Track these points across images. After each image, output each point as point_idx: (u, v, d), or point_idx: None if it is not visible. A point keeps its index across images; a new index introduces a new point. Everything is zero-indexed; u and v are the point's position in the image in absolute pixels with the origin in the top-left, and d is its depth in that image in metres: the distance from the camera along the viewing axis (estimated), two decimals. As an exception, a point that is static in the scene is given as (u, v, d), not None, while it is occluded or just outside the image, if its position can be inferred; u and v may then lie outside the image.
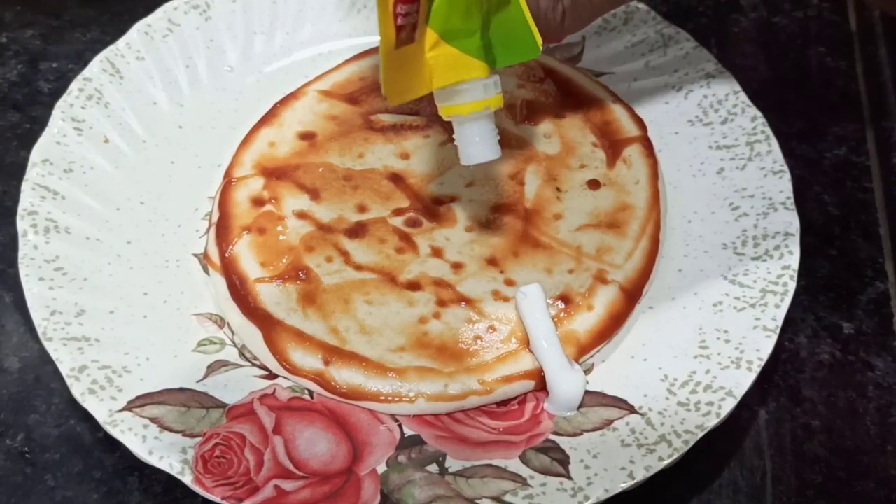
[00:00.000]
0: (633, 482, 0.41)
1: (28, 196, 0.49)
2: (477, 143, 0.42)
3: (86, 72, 0.54)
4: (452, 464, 0.42)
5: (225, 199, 0.50)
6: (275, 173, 0.51)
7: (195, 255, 0.50)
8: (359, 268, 0.47)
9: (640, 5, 0.58)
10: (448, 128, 0.52)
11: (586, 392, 0.44)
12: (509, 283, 0.47)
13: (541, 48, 0.42)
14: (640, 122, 0.53)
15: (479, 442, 0.43)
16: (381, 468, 0.42)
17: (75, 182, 0.50)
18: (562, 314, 0.46)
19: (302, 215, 0.49)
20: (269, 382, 0.45)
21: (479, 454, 0.43)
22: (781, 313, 0.46)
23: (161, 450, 0.41)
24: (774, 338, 0.45)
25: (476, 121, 0.42)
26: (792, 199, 0.50)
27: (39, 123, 0.53)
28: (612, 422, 0.43)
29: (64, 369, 0.43)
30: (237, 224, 0.49)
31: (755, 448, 0.46)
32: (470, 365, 0.45)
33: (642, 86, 0.56)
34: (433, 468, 0.42)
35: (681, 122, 0.54)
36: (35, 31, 0.62)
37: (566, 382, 0.44)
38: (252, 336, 0.46)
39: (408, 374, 0.44)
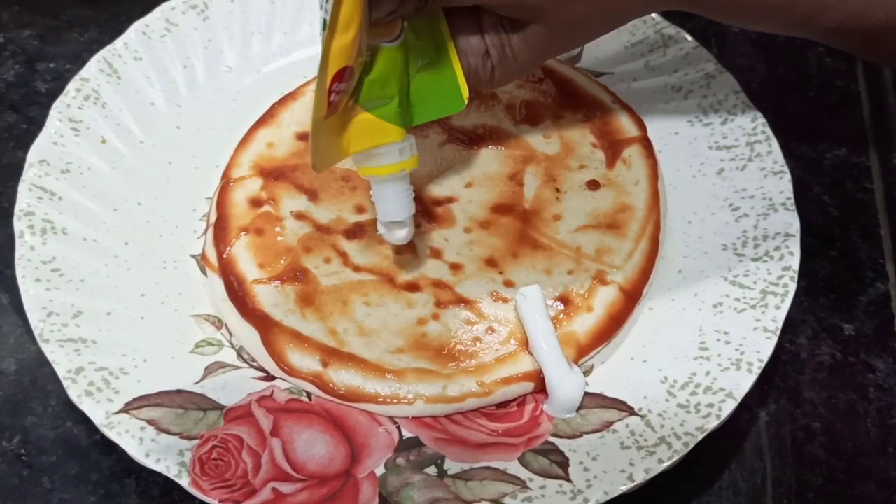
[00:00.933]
0: (632, 484, 0.41)
1: (25, 197, 0.49)
2: (392, 202, 0.44)
3: (83, 72, 0.53)
4: (451, 466, 0.42)
5: (223, 200, 0.49)
6: (273, 174, 0.50)
7: (193, 256, 0.49)
8: (357, 269, 0.47)
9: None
10: (445, 128, 0.52)
11: (586, 394, 0.44)
12: (508, 284, 0.47)
13: (466, 102, 0.44)
14: (639, 123, 0.53)
15: (478, 444, 0.43)
16: (380, 470, 0.42)
17: (72, 183, 0.50)
18: (561, 315, 0.46)
19: (300, 216, 0.49)
20: (266, 384, 0.45)
21: (478, 456, 0.43)
22: (782, 314, 0.46)
23: (158, 452, 0.41)
24: (775, 339, 0.45)
25: (392, 182, 0.44)
26: (792, 200, 0.49)
27: (36, 124, 0.53)
28: (611, 424, 0.43)
29: (61, 371, 0.43)
30: (235, 225, 0.48)
31: (755, 450, 0.46)
32: (469, 366, 0.44)
33: (642, 86, 0.56)
34: (432, 470, 0.42)
35: (681, 122, 0.54)
36: (32, 32, 0.62)
37: (565, 384, 0.44)
38: (250, 337, 0.46)
39: (406, 375, 0.44)
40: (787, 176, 0.50)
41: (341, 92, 0.40)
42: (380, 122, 0.42)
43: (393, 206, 0.44)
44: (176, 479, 0.41)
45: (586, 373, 0.46)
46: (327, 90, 0.39)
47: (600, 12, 0.43)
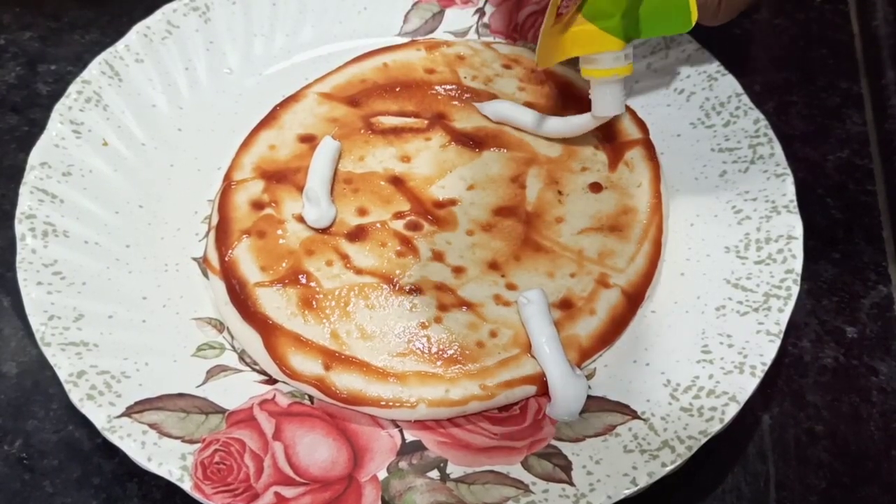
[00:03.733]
0: (636, 488, 0.41)
1: (26, 199, 0.48)
2: (605, 101, 0.49)
3: (84, 74, 0.53)
4: (454, 470, 0.42)
5: (224, 203, 0.49)
6: (275, 176, 0.50)
7: (194, 259, 0.49)
8: (359, 272, 0.47)
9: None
10: (448, 130, 0.52)
11: (588, 397, 0.44)
12: (511, 287, 0.47)
13: (693, 24, 0.48)
14: (641, 125, 0.53)
15: (480, 448, 0.43)
16: (382, 474, 0.42)
17: (74, 185, 0.50)
18: (564, 319, 0.46)
19: (302, 219, 0.49)
20: (268, 388, 0.45)
21: (481, 460, 0.42)
22: (785, 317, 0.46)
23: (160, 456, 0.41)
24: (778, 342, 0.45)
25: (606, 84, 0.48)
26: (795, 203, 0.49)
27: (38, 126, 0.53)
28: (614, 427, 0.43)
29: (62, 374, 0.43)
30: (237, 228, 0.48)
31: (759, 453, 0.46)
32: (471, 370, 0.44)
33: (644, 88, 0.56)
34: (434, 474, 0.42)
35: (683, 124, 0.54)
36: (34, 33, 0.62)
37: (568, 387, 0.44)
38: (252, 341, 0.45)
39: (408, 379, 0.44)
40: (790, 178, 0.50)
41: (569, 5, 0.47)
42: (600, 33, 0.47)
43: (605, 104, 0.49)
44: (178, 483, 0.41)
45: (589, 376, 0.45)
46: (557, 6, 0.47)
47: None
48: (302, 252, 0.48)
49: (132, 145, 0.52)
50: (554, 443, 0.43)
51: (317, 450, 0.42)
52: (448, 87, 0.54)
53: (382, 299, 0.46)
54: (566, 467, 0.42)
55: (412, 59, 0.56)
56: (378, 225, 0.49)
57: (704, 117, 0.54)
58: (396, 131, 0.52)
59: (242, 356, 0.46)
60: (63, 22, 0.62)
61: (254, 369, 0.46)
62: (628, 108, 0.54)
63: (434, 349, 0.45)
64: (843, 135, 0.58)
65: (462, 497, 0.41)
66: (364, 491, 0.41)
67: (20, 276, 0.46)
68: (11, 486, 0.44)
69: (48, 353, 0.44)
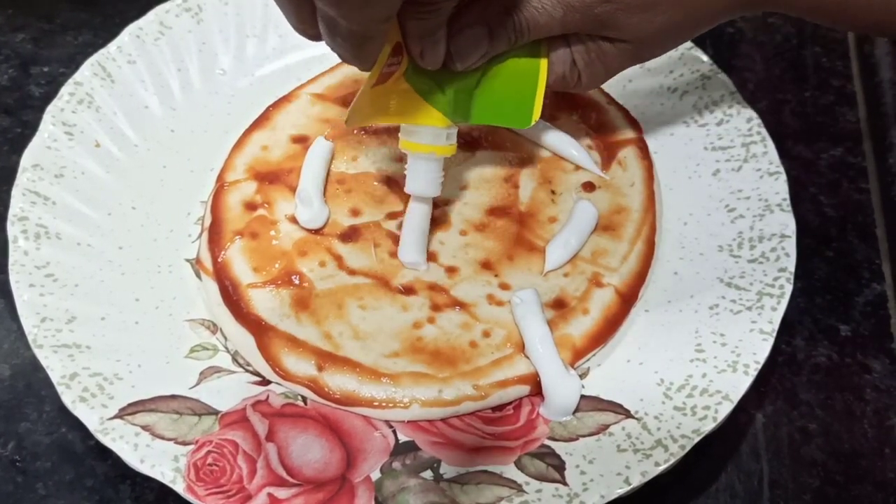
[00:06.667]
0: (629, 488, 0.41)
1: (18, 201, 0.48)
2: (418, 178, 0.46)
3: (76, 76, 0.53)
4: (447, 470, 0.42)
5: (217, 204, 0.49)
6: (267, 177, 0.50)
7: (187, 260, 0.49)
8: (352, 272, 0.47)
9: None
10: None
11: (582, 397, 0.44)
12: (504, 286, 0.47)
13: (532, 123, 0.46)
14: (635, 124, 0.53)
15: (473, 448, 0.43)
16: (376, 475, 0.42)
17: (66, 187, 0.50)
18: (557, 318, 0.46)
19: (295, 220, 0.49)
20: (262, 389, 0.45)
21: (474, 460, 0.42)
22: (778, 316, 0.46)
23: (153, 458, 0.41)
24: (771, 341, 0.45)
25: (424, 160, 0.45)
26: (788, 201, 0.49)
27: (30, 128, 0.53)
28: (607, 427, 0.43)
29: (55, 377, 0.43)
30: (230, 229, 0.48)
31: (752, 452, 0.46)
32: (465, 370, 0.44)
33: (637, 87, 0.56)
34: (428, 475, 0.42)
35: (676, 123, 0.54)
36: (26, 35, 0.62)
37: (562, 387, 0.44)
38: (245, 342, 0.45)
39: (402, 379, 0.44)
40: (783, 177, 0.50)
41: (392, 65, 0.42)
42: (424, 105, 0.44)
43: (417, 183, 0.46)
44: (171, 485, 0.41)
45: (582, 375, 0.45)
46: (384, 63, 0.42)
47: (680, 23, 0.45)
48: (295, 253, 0.47)
49: (125, 147, 0.52)
50: (547, 442, 0.43)
51: (310, 451, 0.42)
52: (441, 86, 0.54)
53: (375, 300, 0.46)
54: (559, 467, 0.42)
55: (405, 59, 0.56)
56: (371, 225, 0.49)
57: (697, 116, 0.54)
58: (389, 131, 0.52)
59: (235, 357, 0.46)
60: (55, 24, 0.62)
61: (247, 370, 0.45)
62: (621, 107, 0.54)
63: (427, 349, 0.45)
64: (836, 133, 0.58)
65: (455, 497, 0.41)
66: (357, 492, 0.41)
67: (12, 278, 0.46)
68: (4, 488, 0.44)
69: (41, 355, 0.44)
